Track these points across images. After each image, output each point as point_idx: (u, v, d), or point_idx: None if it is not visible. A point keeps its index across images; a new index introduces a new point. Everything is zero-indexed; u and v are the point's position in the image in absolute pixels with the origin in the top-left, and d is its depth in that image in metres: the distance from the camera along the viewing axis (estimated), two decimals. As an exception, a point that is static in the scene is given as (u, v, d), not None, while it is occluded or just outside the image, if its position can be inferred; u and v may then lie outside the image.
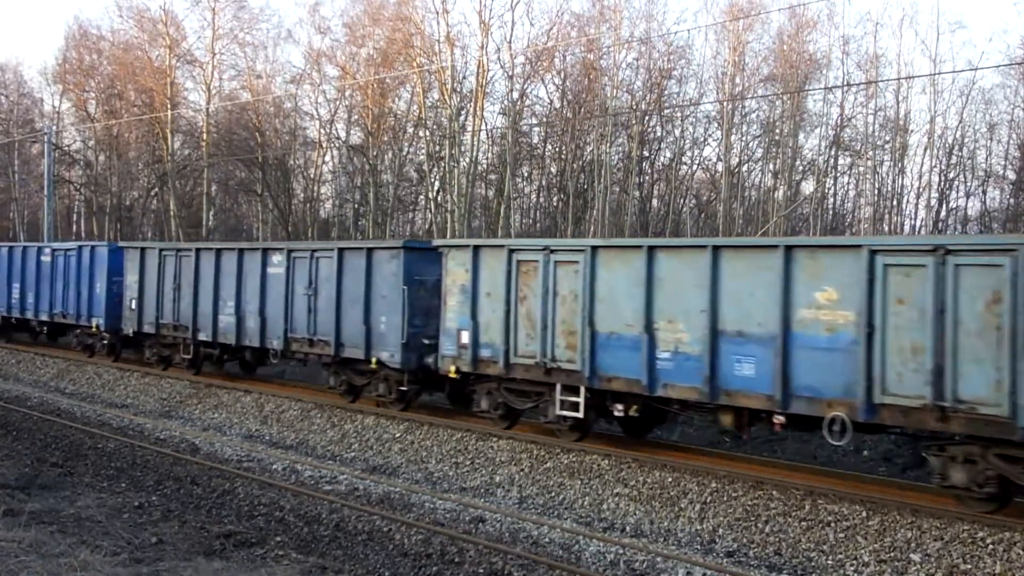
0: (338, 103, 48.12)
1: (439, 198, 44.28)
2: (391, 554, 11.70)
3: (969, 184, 44.24)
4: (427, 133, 43.68)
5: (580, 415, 15.35)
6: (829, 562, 11.66)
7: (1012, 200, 43.34)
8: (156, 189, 54.11)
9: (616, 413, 15.30)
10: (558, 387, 15.55)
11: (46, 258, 29.19)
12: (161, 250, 24.63)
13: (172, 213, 48.75)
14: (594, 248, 15.25)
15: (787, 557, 11.95)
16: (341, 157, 50.82)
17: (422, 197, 49.78)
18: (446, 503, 14.21)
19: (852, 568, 11.47)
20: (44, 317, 29.33)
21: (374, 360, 18.56)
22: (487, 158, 46.50)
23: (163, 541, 11.34)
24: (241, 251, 22.18)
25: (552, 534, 12.67)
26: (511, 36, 42.83)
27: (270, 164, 47.37)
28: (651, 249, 14.47)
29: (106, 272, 26.33)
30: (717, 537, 12.69)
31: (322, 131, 49.05)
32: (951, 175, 43.53)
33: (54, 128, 51.00)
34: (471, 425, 17.42)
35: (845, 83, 41.31)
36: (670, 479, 14.13)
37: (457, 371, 17.06)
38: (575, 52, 43.42)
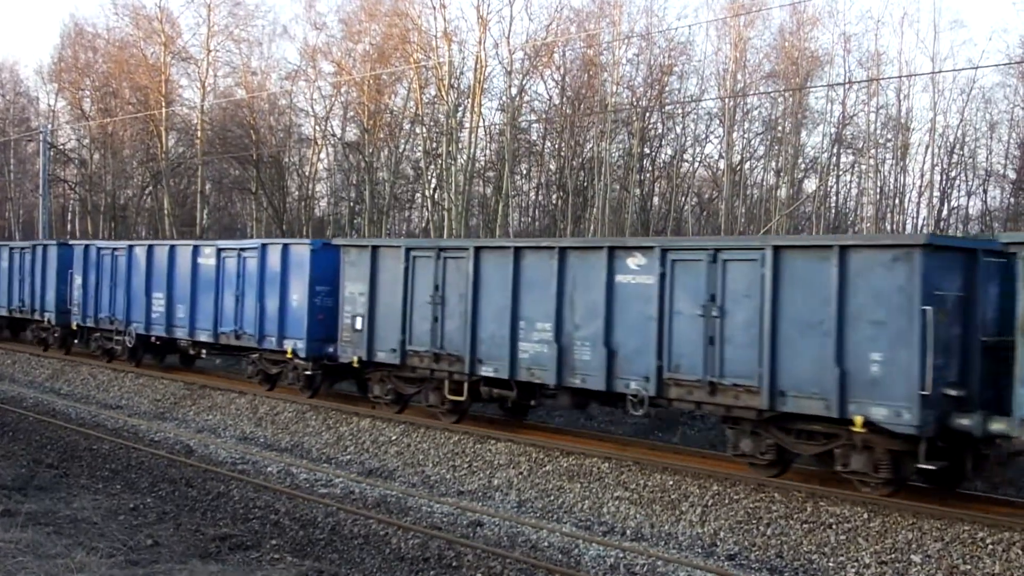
0: (334, 100, 48.02)
1: (436, 196, 44.06)
2: (387, 558, 11.61)
3: (970, 183, 44.22)
4: (424, 130, 43.48)
5: None
6: (830, 564, 11.59)
7: (1012, 199, 43.27)
8: (150, 187, 53.95)
9: None
10: None
11: (207, 260, 22.87)
12: (408, 249, 18.30)
13: (166, 212, 48.62)
14: None
15: (788, 560, 11.86)
16: (337, 154, 50.66)
17: (419, 195, 49.61)
18: (443, 507, 14.10)
19: (853, 570, 11.41)
20: (204, 337, 22.92)
21: (859, 419, 12.36)
22: (485, 155, 46.37)
23: (159, 543, 11.31)
24: (563, 250, 15.79)
25: (551, 538, 12.56)
26: (509, 31, 42.87)
27: (265, 162, 47.19)
28: None
29: (307, 279, 20.13)
30: (718, 540, 12.58)
31: (317, 128, 48.90)
32: (952, 174, 43.48)
33: (49, 127, 50.83)
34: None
35: (847, 80, 41.18)
36: (671, 482, 14.01)
37: None
38: (575, 48, 43.30)
